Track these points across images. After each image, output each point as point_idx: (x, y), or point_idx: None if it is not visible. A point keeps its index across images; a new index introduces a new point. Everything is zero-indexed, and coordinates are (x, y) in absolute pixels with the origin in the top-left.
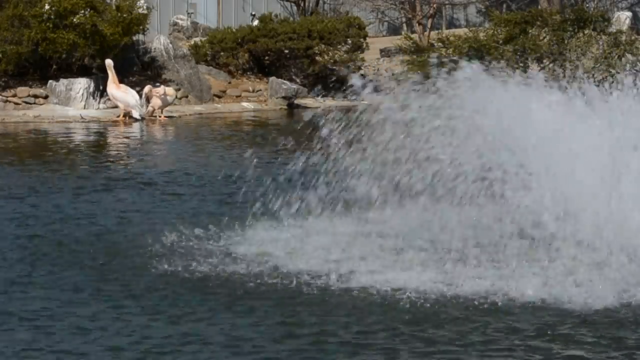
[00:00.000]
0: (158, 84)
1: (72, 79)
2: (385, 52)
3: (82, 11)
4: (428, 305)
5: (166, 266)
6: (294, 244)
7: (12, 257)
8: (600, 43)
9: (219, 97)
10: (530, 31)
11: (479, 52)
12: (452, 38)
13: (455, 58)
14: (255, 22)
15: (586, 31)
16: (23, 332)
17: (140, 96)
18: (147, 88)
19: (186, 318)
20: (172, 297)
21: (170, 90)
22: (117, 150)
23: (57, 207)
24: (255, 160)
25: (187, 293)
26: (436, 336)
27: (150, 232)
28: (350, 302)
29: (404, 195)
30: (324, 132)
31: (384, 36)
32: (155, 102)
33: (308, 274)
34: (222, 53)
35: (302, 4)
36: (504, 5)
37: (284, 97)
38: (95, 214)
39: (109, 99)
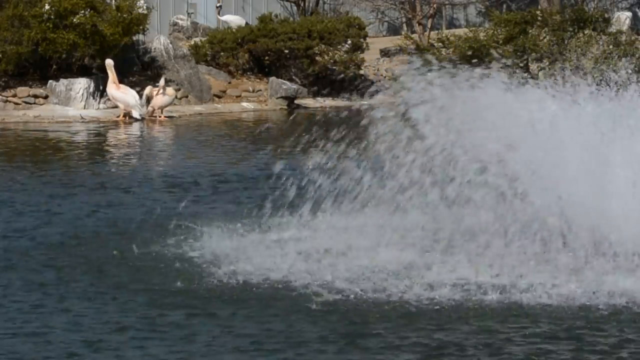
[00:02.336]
0: (157, 85)
1: (72, 79)
2: (385, 52)
3: (82, 11)
4: None
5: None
6: None
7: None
8: (600, 43)
9: (219, 97)
10: (530, 31)
11: (478, 52)
12: (452, 38)
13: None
14: (225, 17)
15: (586, 31)
16: None
17: (141, 96)
18: (147, 89)
19: None
20: None
21: (170, 90)
22: (117, 150)
23: (58, 206)
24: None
25: None
26: None
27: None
28: None
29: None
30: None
31: (384, 36)
32: (155, 102)
33: None
34: (222, 53)
35: (302, 4)
36: (504, 5)
37: (284, 97)
38: (92, 214)
39: (109, 99)
